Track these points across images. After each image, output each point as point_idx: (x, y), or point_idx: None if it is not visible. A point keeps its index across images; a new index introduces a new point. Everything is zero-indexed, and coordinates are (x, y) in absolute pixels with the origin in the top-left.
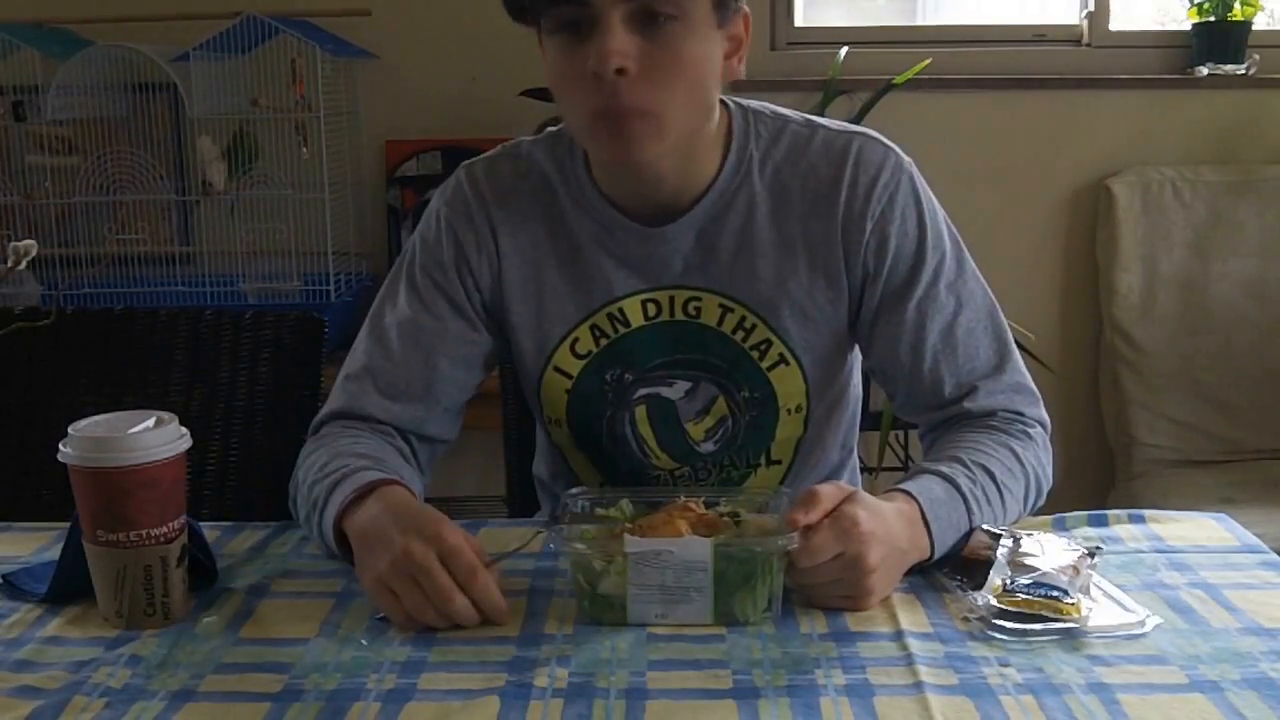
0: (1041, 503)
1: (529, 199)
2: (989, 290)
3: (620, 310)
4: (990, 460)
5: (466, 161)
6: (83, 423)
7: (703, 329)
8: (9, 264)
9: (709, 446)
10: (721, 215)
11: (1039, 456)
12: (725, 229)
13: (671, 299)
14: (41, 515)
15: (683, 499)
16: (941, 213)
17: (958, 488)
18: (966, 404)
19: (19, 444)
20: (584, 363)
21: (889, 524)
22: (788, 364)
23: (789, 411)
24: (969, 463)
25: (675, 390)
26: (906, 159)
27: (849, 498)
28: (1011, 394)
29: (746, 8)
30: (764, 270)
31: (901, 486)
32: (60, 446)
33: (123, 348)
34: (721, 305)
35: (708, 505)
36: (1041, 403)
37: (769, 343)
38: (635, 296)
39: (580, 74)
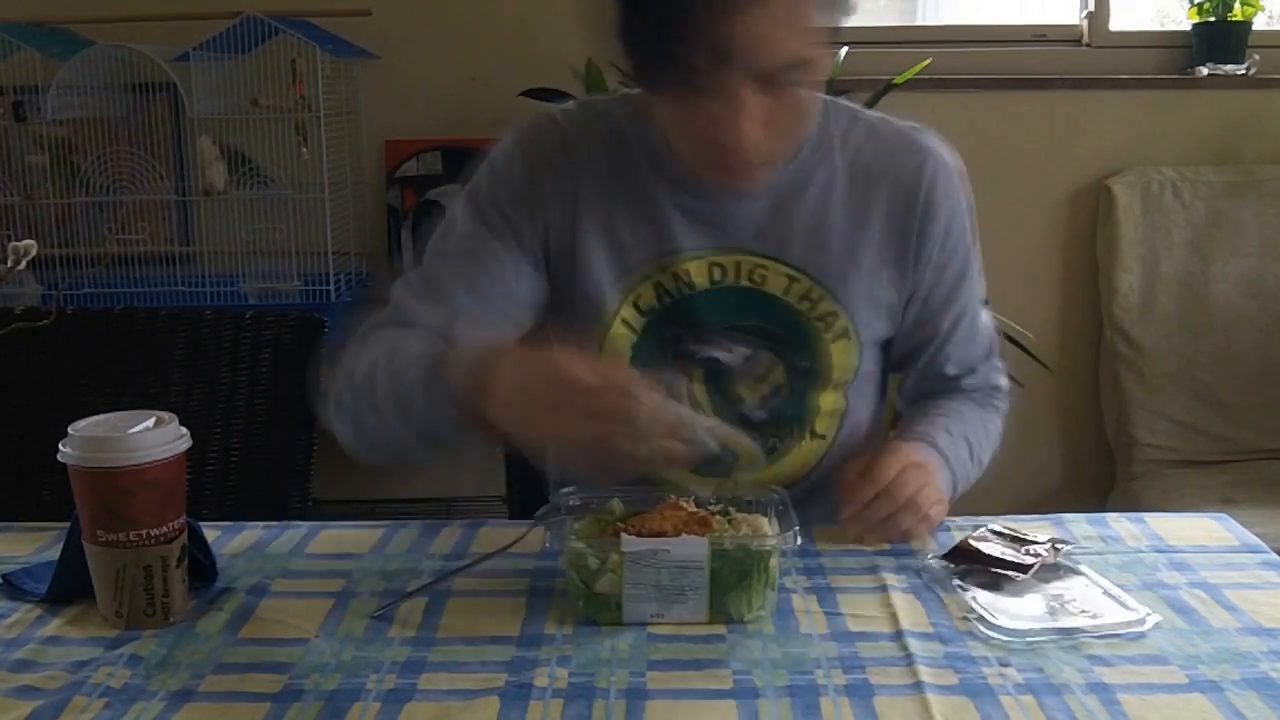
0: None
1: (606, 150)
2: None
3: (686, 271)
4: (971, 432)
5: (546, 109)
6: (83, 423)
7: (766, 297)
8: (9, 264)
9: (761, 414)
10: (801, 187)
11: (998, 426)
12: (803, 201)
13: (738, 265)
14: (41, 515)
15: (674, 497)
16: None
17: (944, 455)
18: (964, 382)
19: (19, 444)
20: (647, 319)
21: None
22: (849, 338)
23: (836, 386)
24: (955, 433)
25: (734, 356)
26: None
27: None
28: (999, 375)
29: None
30: (837, 246)
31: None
32: (60, 446)
33: (123, 348)
34: (788, 276)
35: (698, 504)
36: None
37: (835, 315)
38: (702, 258)
39: (702, 130)
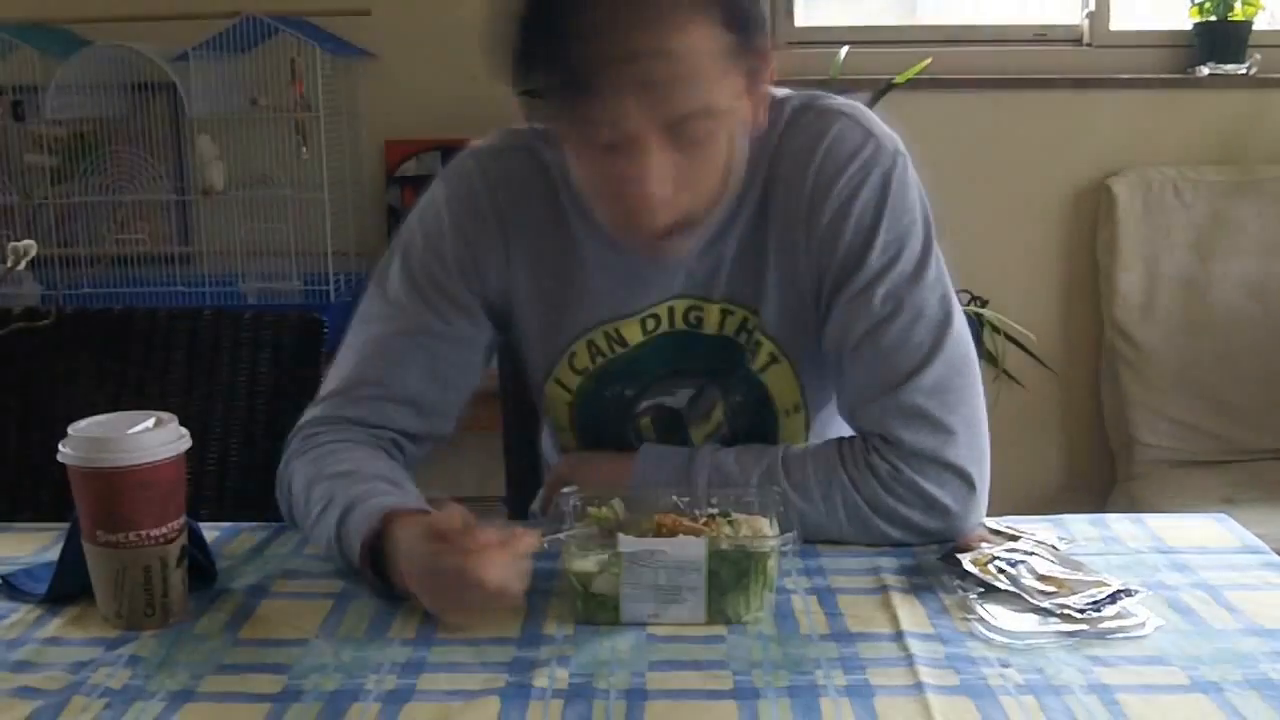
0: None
1: (539, 202)
2: (957, 314)
3: (616, 330)
4: (771, 458)
5: (474, 148)
6: (82, 423)
7: (703, 338)
8: (9, 264)
9: None
10: (729, 222)
11: (877, 497)
12: (730, 234)
13: (672, 310)
14: (41, 515)
15: (674, 498)
16: (917, 215)
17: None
18: (859, 422)
19: (19, 444)
20: (582, 378)
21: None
22: (778, 363)
23: (786, 413)
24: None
25: (679, 399)
26: (892, 148)
27: None
28: (900, 417)
29: (774, 61)
30: (756, 268)
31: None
32: (60, 446)
33: (123, 348)
34: (722, 310)
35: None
36: (958, 443)
37: (759, 343)
38: (634, 317)
39: (612, 183)
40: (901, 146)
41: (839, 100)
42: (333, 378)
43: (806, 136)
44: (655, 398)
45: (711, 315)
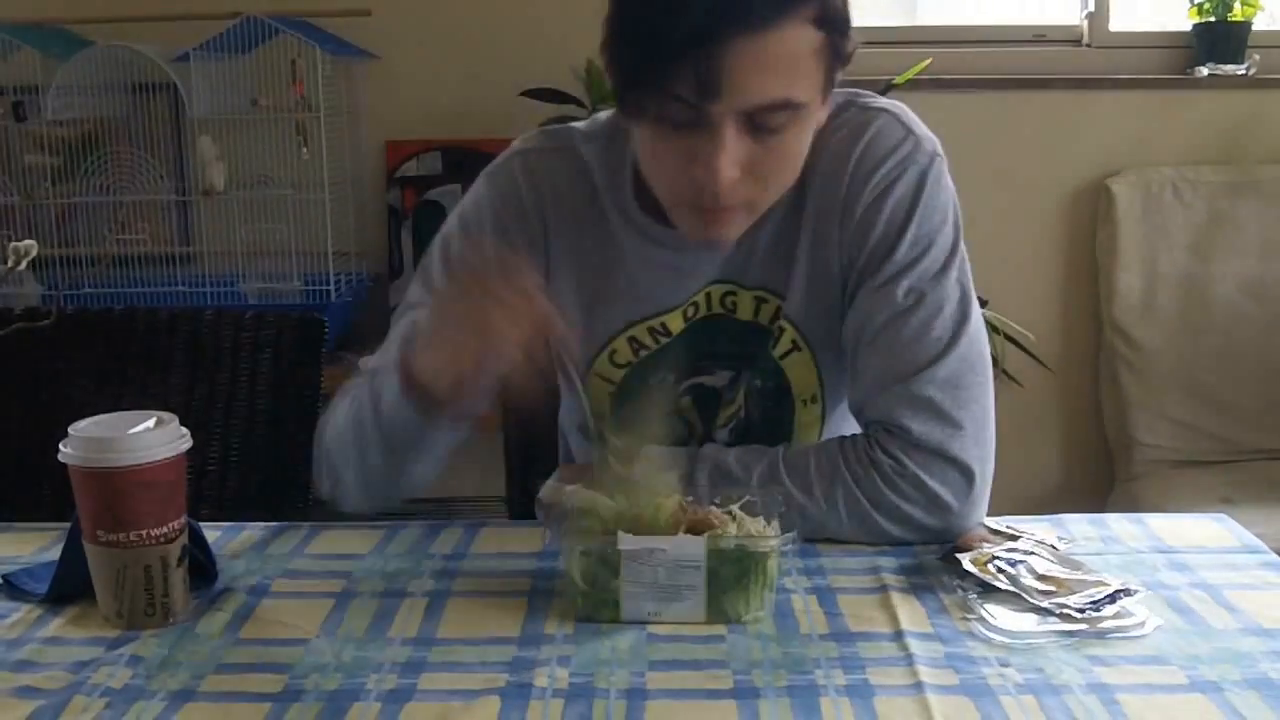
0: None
1: (580, 203)
2: (975, 315)
3: (662, 324)
4: (771, 457)
5: (517, 148)
6: (83, 423)
7: (737, 323)
8: (9, 264)
9: (723, 435)
10: (768, 211)
11: (879, 493)
12: (767, 222)
13: (709, 295)
14: (41, 515)
15: (676, 497)
16: (949, 216)
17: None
18: (867, 412)
19: (19, 444)
20: (624, 371)
21: None
22: (799, 351)
23: (804, 403)
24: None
25: (718, 379)
26: (930, 148)
27: None
28: (909, 407)
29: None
30: (787, 256)
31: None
32: (60, 446)
33: (123, 348)
34: (755, 296)
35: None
36: (965, 439)
37: (782, 329)
38: (676, 311)
39: (679, 163)
40: (940, 148)
41: (882, 98)
42: (367, 374)
43: (848, 131)
44: (695, 378)
45: (745, 301)
